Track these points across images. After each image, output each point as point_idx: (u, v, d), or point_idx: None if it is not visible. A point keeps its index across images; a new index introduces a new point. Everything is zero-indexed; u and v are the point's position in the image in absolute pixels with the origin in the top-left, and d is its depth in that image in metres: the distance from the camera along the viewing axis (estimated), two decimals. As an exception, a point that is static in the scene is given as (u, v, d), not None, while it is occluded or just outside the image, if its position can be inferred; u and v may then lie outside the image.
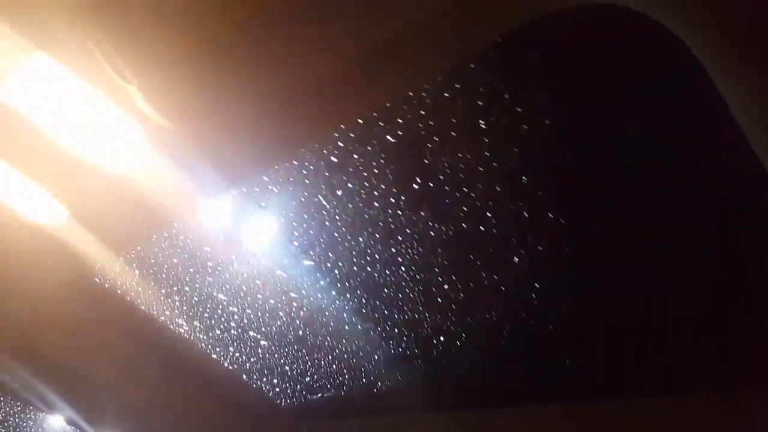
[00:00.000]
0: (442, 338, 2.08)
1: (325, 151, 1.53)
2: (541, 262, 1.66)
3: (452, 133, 1.37)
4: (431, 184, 1.53)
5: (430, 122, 1.36)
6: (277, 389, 2.54)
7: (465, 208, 1.58)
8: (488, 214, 1.56)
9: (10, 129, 1.13)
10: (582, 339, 1.84)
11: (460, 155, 1.42)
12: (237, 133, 1.18)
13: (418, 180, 1.54)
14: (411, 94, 1.30)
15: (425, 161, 1.47)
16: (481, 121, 1.32)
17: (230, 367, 2.50)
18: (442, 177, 1.49)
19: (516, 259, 1.67)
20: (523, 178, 1.43)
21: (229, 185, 1.61)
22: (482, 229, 1.62)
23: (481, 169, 1.42)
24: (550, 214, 1.48)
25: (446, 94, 1.29)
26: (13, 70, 1.05)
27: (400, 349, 2.20)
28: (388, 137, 1.44)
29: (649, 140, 1.30)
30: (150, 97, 0.90)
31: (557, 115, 1.31)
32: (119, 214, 1.53)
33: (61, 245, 1.65)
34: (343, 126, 1.44)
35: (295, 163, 1.59)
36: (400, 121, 1.38)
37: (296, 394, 2.54)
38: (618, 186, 1.41)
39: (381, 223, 1.74)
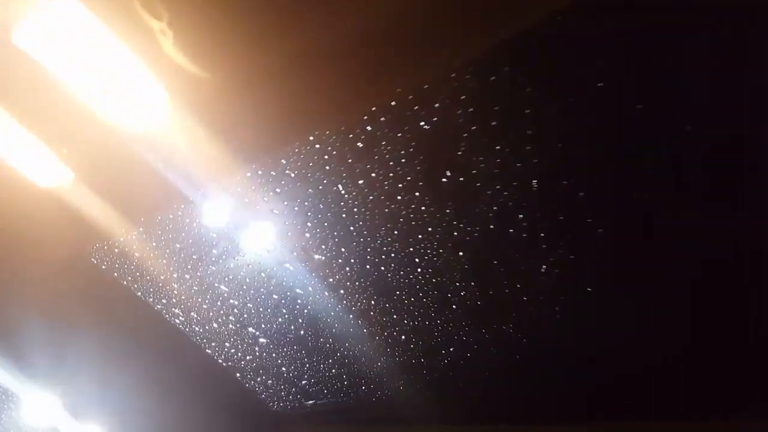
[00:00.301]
0: (452, 348, 1.98)
1: (351, 135, 1.43)
2: (570, 274, 1.56)
3: (492, 123, 1.26)
4: (462, 179, 1.43)
5: (470, 109, 1.25)
6: (271, 391, 2.45)
7: (495, 208, 1.47)
8: (520, 216, 1.46)
9: (20, 76, 1.03)
10: (604, 362, 1.74)
11: (498, 148, 1.31)
12: (264, 97, 1.08)
13: (448, 173, 1.43)
14: (453, 75, 1.20)
15: (459, 153, 1.36)
16: (526, 111, 1.21)
17: (224, 364, 2.41)
18: (474, 171, 1.39)
19: (543, 268, 1.57)
20: (565, 178, 1.32)
21: (245, 164, 1.51)
22: (511, 231, 1.51)
23: (519, 165, 1.32)
24: (589, 220, 1.38)
25: (492, 78, 1.19)
26: (29, 11, 0.96)
27: (406, 357, 2.10)
28: (422, 123, 1.34)
29: (723, 148, 1.17)
30: (179, 37, 0.80)
31: (616, 109, 1.18)
32: (126, 185, 1.43)
33: (59, 217, 1.55)
34: (374, 108, 1.34)
35: (318, 146, 1.49)
36: (438, 105, 1.28)
37: (290, 397, 2.45)
38: (673, 202, 1.28)
39: (402, 219, 1.64)
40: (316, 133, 1.42)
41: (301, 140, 1.43)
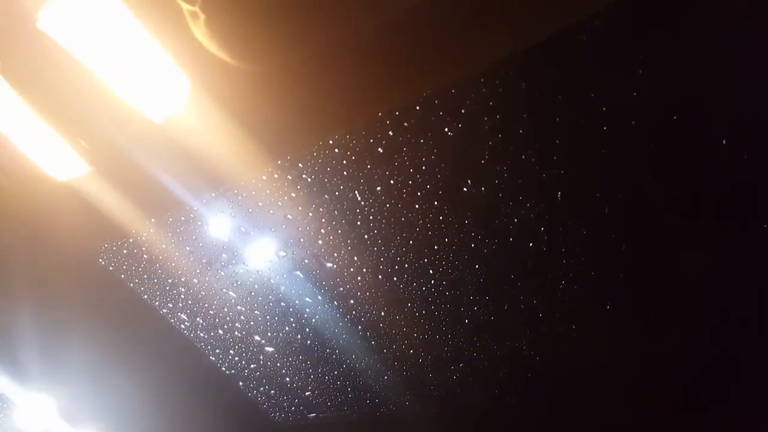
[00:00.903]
0: (461, 365, 1.94)
1: (372, 140, 1.40)
2: (590, 291, 1.51)
3: (520, 131, 1.22)
4: (483, 189, 1.39)
5: (498, 115, 1.22)
6: (273, 401, 2.41)
7: (516, 220, 1.43)
8: (541, 229, 1.42)
9: (42, 59, 1.00)
10: (620, 383, 1.69)
11: (523, 157, 1.28)
12: (287, 94, 1.05)
13: (470, 182, 1.40)
14: (482, 80, 1.17)
15: (482, 162, 1.33)
16: (557, 119, 1.17)
17: (227, 372, 2.37)
18: (497, 181, 1.35)
19: (562, 284, 1.53)
20: (592, 191, 1.29)
21: (262, 165, 1.48)
22: (531, 245, 1.48)
23: (544, 176, 1.28)
24: (613, 236, 1.34)
25: (523, 85, 1.15)
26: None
27: (414, 372, 2.05)
28: (446, 129, 1.31)
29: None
30: (211, 23, 0.77)
31: (651, 121, 1.14)
32: (138, 183, 1.40)
33: (70, 213, 1.52)
34: (397, 112, 1.31)
35: (337, 150, 1.46)
36: (464, 111, 1.25)
37: (293, 408, 2.41)
38: (702, 221, 1.23)
39: (418, 229, 1.60)
40: (336, 136, 1.39)
41: (321, 142, 1.40)
